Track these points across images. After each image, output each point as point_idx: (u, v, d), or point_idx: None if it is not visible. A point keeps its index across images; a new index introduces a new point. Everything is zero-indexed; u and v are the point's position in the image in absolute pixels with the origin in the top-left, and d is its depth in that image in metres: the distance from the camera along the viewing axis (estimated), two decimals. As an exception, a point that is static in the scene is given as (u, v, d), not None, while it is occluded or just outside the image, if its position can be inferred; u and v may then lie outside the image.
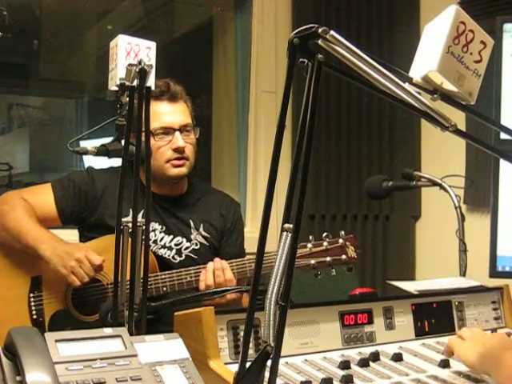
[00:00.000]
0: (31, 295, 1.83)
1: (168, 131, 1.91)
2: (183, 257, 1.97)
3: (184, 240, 1.98)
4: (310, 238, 1.81)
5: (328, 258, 1.76)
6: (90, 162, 2.24)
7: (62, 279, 1.77)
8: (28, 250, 1.79)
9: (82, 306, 1.83)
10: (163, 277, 1.77)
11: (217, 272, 1.77)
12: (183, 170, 1.95)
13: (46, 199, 1.93)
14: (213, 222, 2.04)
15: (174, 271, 1.79)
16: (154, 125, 1.88)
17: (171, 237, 1.97)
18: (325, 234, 1.82)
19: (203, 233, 2.01)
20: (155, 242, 1.95)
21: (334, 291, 2.30)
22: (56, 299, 1.83)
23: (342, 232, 1.83)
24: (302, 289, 2.03)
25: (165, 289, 1.77)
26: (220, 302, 1.71)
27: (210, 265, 1.79)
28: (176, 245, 1.97)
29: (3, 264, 1.85)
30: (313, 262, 1.75)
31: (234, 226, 2.08)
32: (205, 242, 2.00)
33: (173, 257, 1.96)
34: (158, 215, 1.97)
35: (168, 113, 1.92)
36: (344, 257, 1.78)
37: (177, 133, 1.91)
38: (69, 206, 1.94)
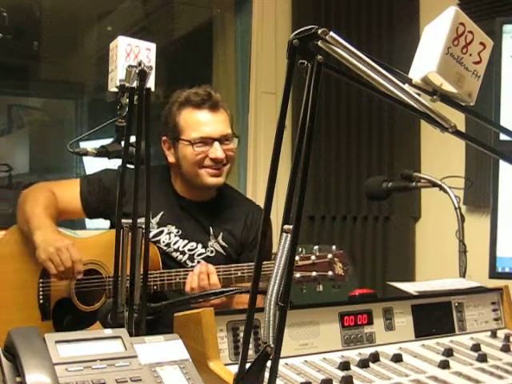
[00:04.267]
0: (41, 281, 1.86)
1: (207, 141, 1.89)
2: (195, 262, 1.93)
3: (199, 246, 1.95)
4: (300, 249, 1.78)
5: (314, 273, 1.71)
6: (90, 162, 2.25)
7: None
8: (29, 235, 1.82)
9: (83, 296, 1.86)
10: (155, 275, 1.77)
11: (201, 276, 1.75)
12: (220, 180, 1.93)
13: (72, 193, 1.97)
14: (234, 232, 1.99)
15: (166, 271, 1.79)
16: (194, 135, 1.88)
17: (186, 241, 1.95)
18: (316, 247, 1.78)
19: (221, 242, 1.97)
20: (168, 245, 1.93)
21: (333, 292, 2.29)
22: (62, 287, 1.85)
23: (334, 247, 1.77)
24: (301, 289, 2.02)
25: (155, 287, 1.77)
26: (204, 306, 1.70)
27: (197, 268, 1.78)
28: (189, 250, 1.94)
29: (18, 250, 1.89)
30: (298, 275, 1.72)
31: (257, 243, 2.02)
32: (221, 251, 1.96)
33: (185, 262, 1.93)
34: (177, 218, 1.96)
35: (208, 123, 1.90)
36: (330, 273, 1.73)
37: (216, 143, 1.88)
38: (93, 201, 1.97)
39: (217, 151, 1.88)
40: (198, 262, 1.93)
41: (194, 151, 1.88)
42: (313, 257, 1.72)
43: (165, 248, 1.93)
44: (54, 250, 1.72)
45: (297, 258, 1.71)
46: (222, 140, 1.90)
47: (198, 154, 1.88)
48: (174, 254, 1.94)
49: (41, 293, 1.86)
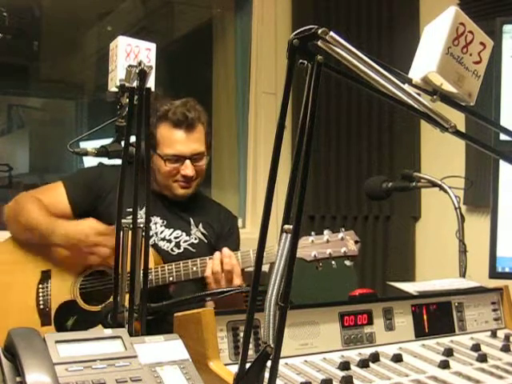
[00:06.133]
0: (40, 286, 1.89)
1: (179, 159, 1.97)
2: (182, 249, 2.01)
3: (184, 234, 2.03)
4: (312, 233, 1.83)
5: (328, 250, 1.78)
6: (90, 162, 2.25)
7: (71, 271, 1.87)
8: (42, 241, 1.86)
9: (89, 297, 1.89)
10: (170, 267, 1.82)
11: (225, 260, 1.80)
12: (189, 191, 2.03)
13: (58, 196, 1.99)
14: (211, 223, 2.10)
15: (181, 262, 1.84)
16: (167, 151, 1.95)
17: (171, 230, 2.03)
18: (326, 231, 1.84)
19: (202, 230, 2.07)
20: (155, 234, 2.00)
21: (333, 292, 2.30)
22: (63, 291, 1.88)
23: (343, 228, 1.86)
24: (301, 289, 2.03)
25: (171, 278, 1.81)
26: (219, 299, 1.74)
27: (217, 254, 1.83)
28: (175, 237, 2.02)
29: (16, 256, 1.92)
30: (313, 253, 1.77)
31: (231, 233, 2.13)
32: (203, 238, 2.06)
33: (171, 249, 2.00)
34: (160, 210, 2.03)
35: (182, 141, 1.96)
36: (344, 249, 1.80)
37: (187, 161, 1.97)
38: (81, 201, 2.00)
39: (187, 169, 1.97)
40: (185, 249, 2.02)
41: (166, 166, 1.97)
42: (326, 235, 1.79)
43: (152, 237, 1.98)
44: (94, 249, 1.81)
45: (311, 237, 1.77)
46: (194, 158, 1.98)
47: (169, 170, 1.97)
48: (161, 243, 2.00)
49: (40, 298, 1.88)
